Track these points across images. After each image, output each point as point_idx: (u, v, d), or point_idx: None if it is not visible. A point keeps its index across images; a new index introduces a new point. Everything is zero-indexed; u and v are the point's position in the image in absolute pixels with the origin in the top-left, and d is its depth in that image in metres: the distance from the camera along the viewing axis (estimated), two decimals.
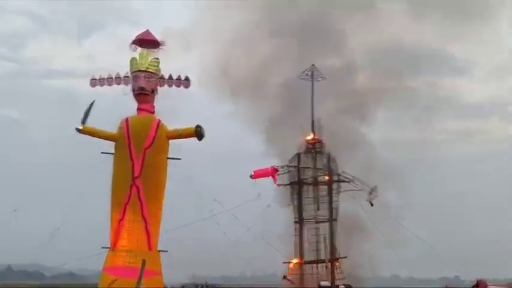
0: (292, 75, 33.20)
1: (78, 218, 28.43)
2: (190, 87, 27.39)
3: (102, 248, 25.84)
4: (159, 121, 26.21)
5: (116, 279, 23.71)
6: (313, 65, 32.76)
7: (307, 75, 32.93)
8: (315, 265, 31.59)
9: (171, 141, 26.53)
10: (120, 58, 27.74)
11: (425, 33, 60.22)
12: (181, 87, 27.29)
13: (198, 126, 25.54)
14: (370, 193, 31.26)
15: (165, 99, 27.34)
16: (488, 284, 24.49)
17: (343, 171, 32.39)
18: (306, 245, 31.88)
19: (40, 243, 29.88)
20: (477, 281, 24.42)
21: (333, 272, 30.78)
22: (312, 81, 32.86)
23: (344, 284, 23.67)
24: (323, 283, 29.43)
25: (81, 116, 26.60)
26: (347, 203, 32.11)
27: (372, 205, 31.47)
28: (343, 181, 32.31)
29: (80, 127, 26.25)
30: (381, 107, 38.54)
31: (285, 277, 24.34)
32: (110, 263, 24.99)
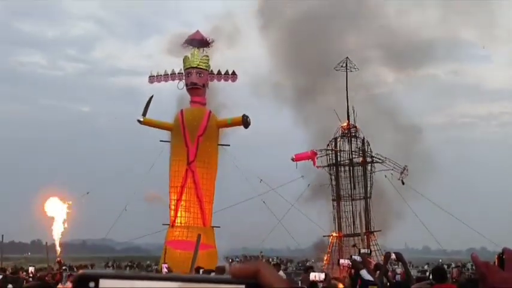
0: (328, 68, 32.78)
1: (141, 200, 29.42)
2: (237, 81, 28.00)
3: (163, 224, 26.92)
4: (210, 112, 26.66)
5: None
6: (347, 57, 32.42)
7: (342, 66, 32.58)
8: (352, 238, 31.62)
9: (220, 129, 27.07)
10: (175, 56, 28.30)
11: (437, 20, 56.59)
12: (229, 81, 27.80)
13: (244, 116, 25.92)
14: (402, 172, 30.47)
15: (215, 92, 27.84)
16: None
17: (376, 153, 31.88)
18: (343, 220, 31.76)
19: (111, 221, 31.28)
20: (503, 250, 24.09)
21: (368, 243, 30.58)
22: (346, 72, 32.48)
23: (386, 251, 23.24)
24: (362, 251, 29.30)
25: (142, 108, 27.37)
26: (380, 182, 31.82)
27: (403, 183, 30.73)
28: (377, 162, 31.62)
29: (141, 119, 26.92)
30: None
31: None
32: (170, 237, 25.97)
